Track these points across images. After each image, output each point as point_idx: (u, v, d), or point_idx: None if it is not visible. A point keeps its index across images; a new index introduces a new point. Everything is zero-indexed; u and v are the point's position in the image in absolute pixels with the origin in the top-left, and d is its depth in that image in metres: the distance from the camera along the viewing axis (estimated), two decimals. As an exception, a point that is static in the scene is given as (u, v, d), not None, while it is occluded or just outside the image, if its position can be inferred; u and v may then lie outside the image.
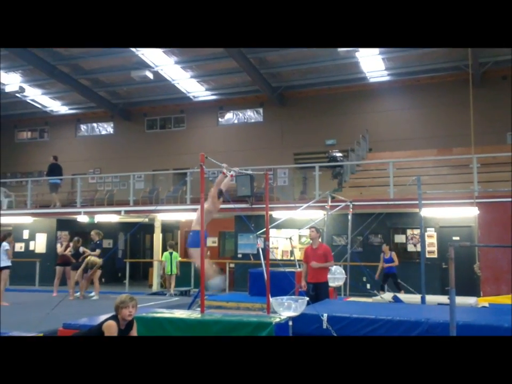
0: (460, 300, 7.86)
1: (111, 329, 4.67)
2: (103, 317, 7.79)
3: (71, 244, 13.53)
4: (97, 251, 13.48)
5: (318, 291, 8.23)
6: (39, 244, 18.01)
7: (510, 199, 11.75)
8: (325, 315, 6.03)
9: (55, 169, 17.60)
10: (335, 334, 5.79)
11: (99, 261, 12.79)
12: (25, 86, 20.25)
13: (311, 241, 8.78)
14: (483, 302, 9.18)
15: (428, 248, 13.32)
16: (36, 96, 21.87)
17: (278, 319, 5.69)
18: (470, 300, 8.92)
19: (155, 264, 16.56)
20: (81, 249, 13.42)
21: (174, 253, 14.85)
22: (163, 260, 14.85)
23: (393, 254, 12.58)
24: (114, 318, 4.79)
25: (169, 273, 14.59)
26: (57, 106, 23.13)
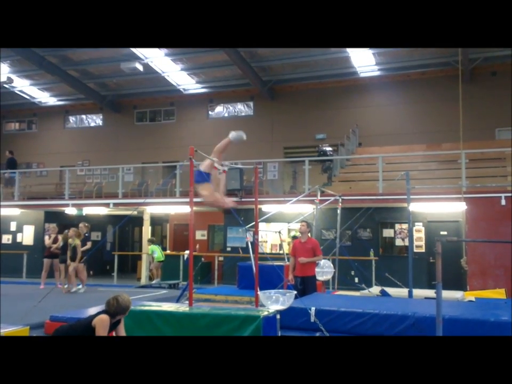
0: (447, 294, 7.92)
1: (104, 323, 4.59)
2: (91, 310, 7.79)
3: (60, 237, 13.46)
4: (89, 243, 13.47)
5: (306, 285, 8.26)
6: (27, 236, 17.90)
7: (497, 195, 11.86)
8: (313, 309, 6.05)
9: (12, 164, 18.30)
10: (322, 328, 5.82)
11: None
12: (13, 76, 20.04)
13: (300, 235, 8.80)
14: (470, 296, 9.26)
15: (415, 243, 13.41)
16: (24, 87, 21.65)
17: (266, 313, 5.70)
18: (457, 294, 9.00)
19: (144, 257, 16.53)
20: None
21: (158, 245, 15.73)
22: (151, 252, 15.09)
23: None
24: (105, 313, 4.72)
25: (162, 259, 15.25)
26: (45, 98, 22.90)
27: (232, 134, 6.17)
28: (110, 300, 4.76)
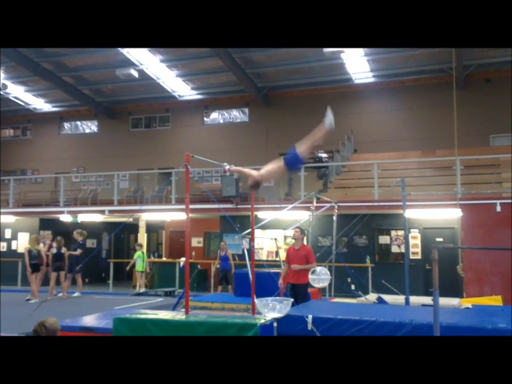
0: (443, 301, 7.91)
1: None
2: (86, 318, 7.74)
3: (54, 244, 13.42)
4: (79, 251, 13.46)
5: (296, 292, 8.05)
6: (22, 244, 17.79)
7: (492, 201, 11.90)
8: (310, 316, 6.02)
9: None
10: (319, 336, 5.79)
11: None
12: (7, 83, 20.00)
13: (293, 241, 8.74)
14: (466, 303, 9.25)
15: (411, 249, 13.42)
16: (19, 93, 21.60)
17: (262, 320, 5.68)
18: (453, 301, 8.98)
19: (139, 264, 16.48)
20: (64, 249, 13.35)
21: (145, 253, 15.56)
22: (135, 258, 15.07)
23: (229, 252, 13.70)
24: None
25: (143, 270, 15.19)
26: (40, 104, 22.86)
27: (329, 122, 5.61)
28: (36, 328, 4.22)
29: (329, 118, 5.62)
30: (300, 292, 8.10)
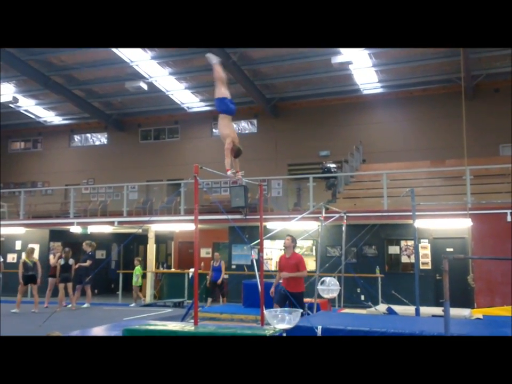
0: (454, 312, 7.85)
1: None
2: (95, 329, 7.76)
3: (63, 255, 13.50)
4: (88, 262, 13.51)
5: (290, 300, 7.84)
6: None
7: (503, 211, 11.81)
8: (319, 327, 6.00)
9: None
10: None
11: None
12: (18, 96, 20.23)
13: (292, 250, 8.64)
14: (477, 313, 9.18)
15: (421, 260, 13.32)
16: (30, 106, 21.83)
17: (271, 331, 5.66)
18: (464, 312, 8.91)
19: (148, 275, 16.49)
20: (71, 261, 13.40)
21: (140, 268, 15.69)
22: (138, 274, 15.16)
23: (222, 263, 13.73)
24: None
25: (139, 285, 15.39)
26: (51, 117, 23.08)
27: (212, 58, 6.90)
28: None
29: (209, 57, 7.00)
30: (295, 300, 7.91)
